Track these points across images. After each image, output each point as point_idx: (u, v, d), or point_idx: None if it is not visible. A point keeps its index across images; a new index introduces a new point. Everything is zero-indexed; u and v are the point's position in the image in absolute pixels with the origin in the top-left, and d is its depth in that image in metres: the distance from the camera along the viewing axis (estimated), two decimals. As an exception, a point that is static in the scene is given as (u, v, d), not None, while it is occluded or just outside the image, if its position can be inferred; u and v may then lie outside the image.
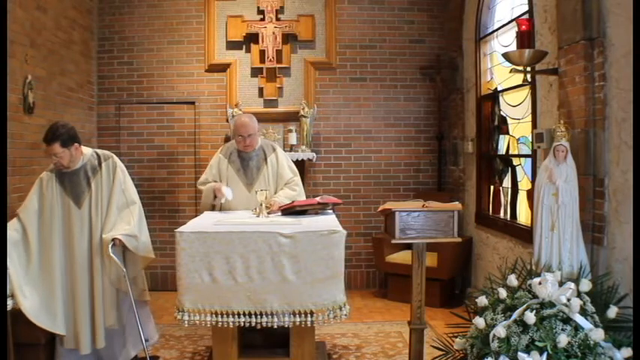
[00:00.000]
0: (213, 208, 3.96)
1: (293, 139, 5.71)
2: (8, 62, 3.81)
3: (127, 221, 3.55)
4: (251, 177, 3.99)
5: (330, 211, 3.78)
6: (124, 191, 3.63)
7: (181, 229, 3.07)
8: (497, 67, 5.13)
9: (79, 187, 3.53)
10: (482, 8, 5.28)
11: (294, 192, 3.96)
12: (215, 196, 3.89)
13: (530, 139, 4.33)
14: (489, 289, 3.28)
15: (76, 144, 3.49)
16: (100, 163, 3.61)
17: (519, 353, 2.73)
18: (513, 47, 3.90)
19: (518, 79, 4.06)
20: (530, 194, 4.28)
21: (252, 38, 5.88)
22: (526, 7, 4.32)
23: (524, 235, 4.25)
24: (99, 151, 3.71)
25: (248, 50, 5.94)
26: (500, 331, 2.84)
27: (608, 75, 3.21)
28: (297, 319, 2.99)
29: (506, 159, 5.07)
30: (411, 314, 3.34)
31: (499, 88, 5.07)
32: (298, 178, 4.09)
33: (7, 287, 3.05)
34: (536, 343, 2.73)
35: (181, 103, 5.99)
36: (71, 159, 3.48)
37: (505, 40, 4.92)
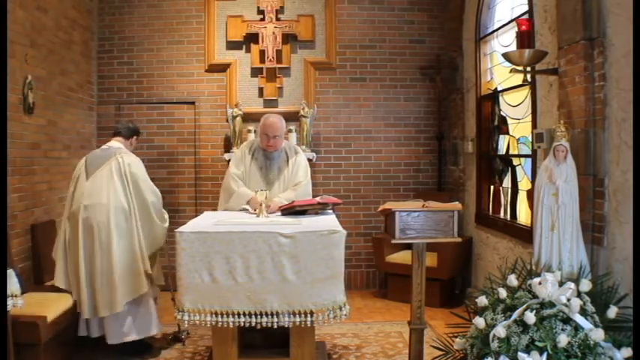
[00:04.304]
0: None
1: (293, 139, 5.69)
2: (8, 62, 3.81)
3: None
4: (272, 177, 3.99)
5: (330, 211, 3.78)
6: None
7: (181, 229, 3.07)
8: (497, 67, 5.12)
9: None
10: (482, 8, 5.28)
11: (294, 193, 3.95)
12: (248, 202, 3.85)
13: (530, 139, 4.32)
14: (489, 289, 3.27)
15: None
16: None
17: (519, 353, 2.73)
18: (513, 47, 3.90)
19: (518, 79, 4.06)
20: (530, 194, 4.28)
21: (252, 38, 5.88)
22: (526, 7, 4.32)
23: (524, 235, 4.24)
24: None
25: (248, 50, 5.94)
26: (500, 331, 2.84)
27: (608, 75, 3.21)
28: (297, 319, 2.99)
29: (506, 159, 5.07)
30: (411, 314, 3.34)
31: (499, 88, 5.07)
32: (306, 182, 4.05)
33: (8, 287, 3.05)
34: (536, 343, 2.72)
35: (181, 103, 5.99)
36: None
37: (505, 40, 4.92)
